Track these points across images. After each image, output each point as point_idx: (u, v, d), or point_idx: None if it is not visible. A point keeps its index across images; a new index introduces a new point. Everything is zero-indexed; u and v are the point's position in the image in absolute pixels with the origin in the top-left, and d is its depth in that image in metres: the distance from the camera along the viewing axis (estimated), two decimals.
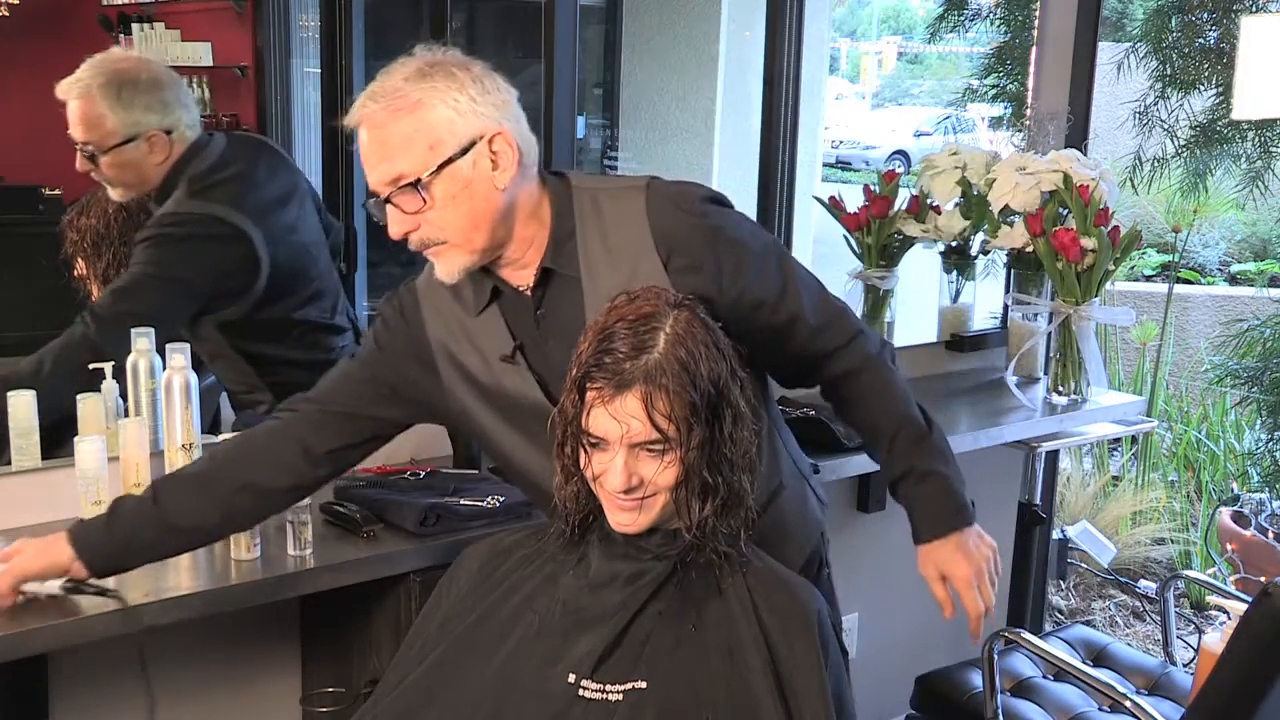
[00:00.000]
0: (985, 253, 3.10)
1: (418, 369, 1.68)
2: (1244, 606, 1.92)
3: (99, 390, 2.06)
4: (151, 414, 2.04)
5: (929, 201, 2.98)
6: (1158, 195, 5.09)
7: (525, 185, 1.59)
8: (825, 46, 6.38)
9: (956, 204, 2.97)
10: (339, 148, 4.28)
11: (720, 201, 1.66)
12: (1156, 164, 4.44)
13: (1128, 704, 2.21)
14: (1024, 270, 2.92)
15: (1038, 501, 2.93)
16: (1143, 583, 4.08)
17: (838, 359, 1.72)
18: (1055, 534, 3.29)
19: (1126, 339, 5.47)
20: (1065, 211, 2.78)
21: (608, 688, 1.37)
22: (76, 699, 2.00)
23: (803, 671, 1.37)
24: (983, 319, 3.25)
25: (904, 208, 2.99)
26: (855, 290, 3.03)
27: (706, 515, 1.41)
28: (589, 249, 1.60)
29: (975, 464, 2.22)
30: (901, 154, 12.91)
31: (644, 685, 1.37)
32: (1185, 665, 2.85)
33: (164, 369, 2.00)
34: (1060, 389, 2.86)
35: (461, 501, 2.02)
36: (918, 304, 3.47)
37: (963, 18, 4.85)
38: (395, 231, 1.55)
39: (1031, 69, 3.18)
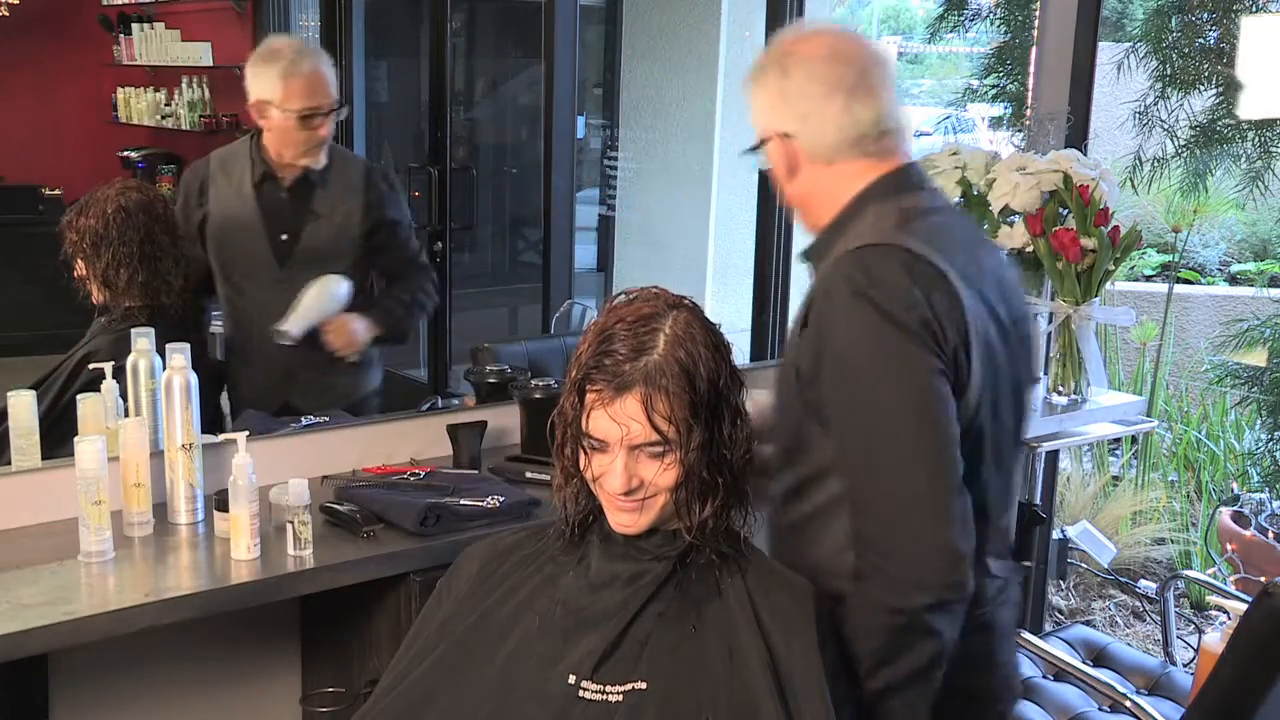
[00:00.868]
0: None
1: None
2: (1244, 606, 1.93)
3: (99, 390, 2.06)
4: (151, 414, 2.04)
5: None
6: (1158, 195, 5.08)
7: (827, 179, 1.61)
8: None
9: (957, 204, 2.97)
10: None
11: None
12: (1156, 164, 4.44)
13: (1128, 704, 2.22)
14: (1024, 270, 2.92)
15: (1038, 501, 2.93)
16: (1143, 583, 4.08)
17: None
18: (1055, 534, 3.28)
19: (1126, 339, 5.47)
20: (1065, 211, 2.78)
21: (608, 688, 1.37)
22: (76, 699, 2.00)
23: (802, 672, 1.37)
24: None
25: None
26: None
27: (706, 516, 1.41)
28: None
29: None
30: None
31: (644, 686, 1.37)
32: (1185, 665, 2.85)
33: (164, 369, 2.01)
34: (1060, 389, 2.86)
35: (461, 501, 2.02)
36: None
37: (963, 18, 4.85)
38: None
39: (1031, 69, 3.18)
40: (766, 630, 1.39)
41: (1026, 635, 2.30)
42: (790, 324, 1.66)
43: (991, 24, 4.83)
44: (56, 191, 4.66)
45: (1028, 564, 1.74)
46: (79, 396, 2.01)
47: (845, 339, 1.48)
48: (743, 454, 1.43)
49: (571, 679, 1.38)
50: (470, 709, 1.40)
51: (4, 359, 3.20)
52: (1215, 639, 2.37)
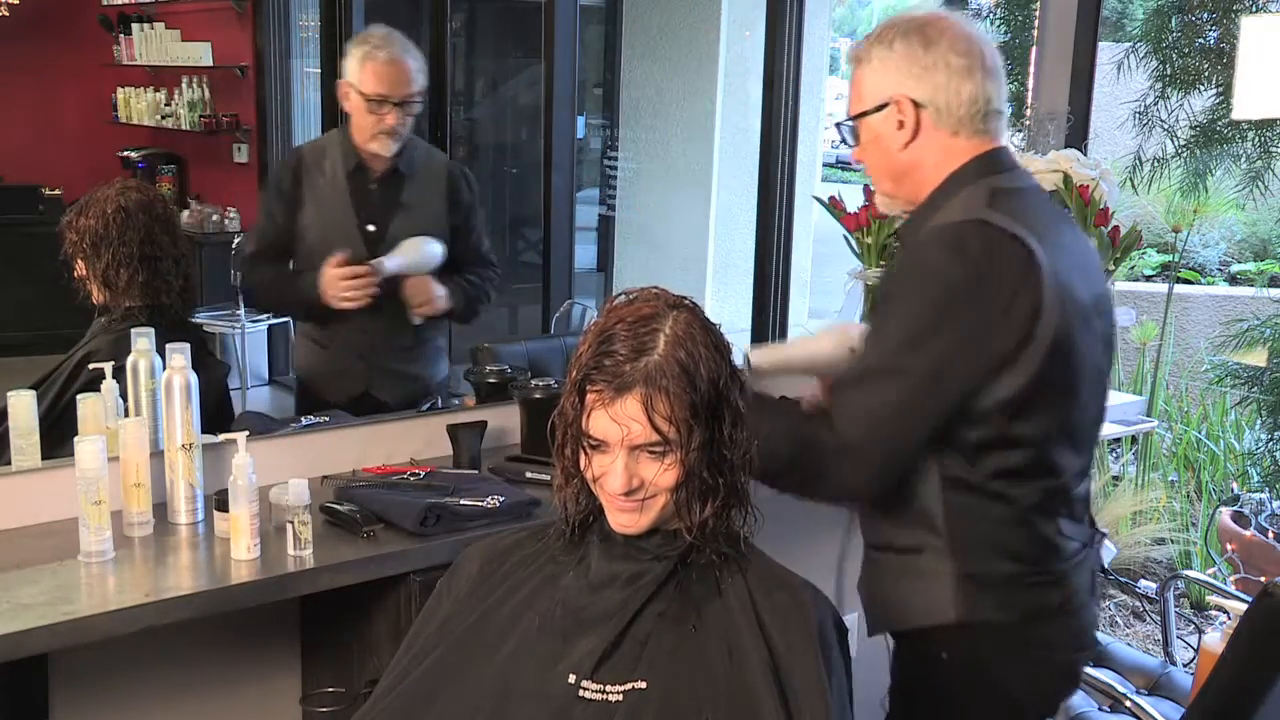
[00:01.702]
0: None
1: None
2: (1244, 606, 1.93)
3: (99, 390, 2.06)
4: (151, 414, 2.04)
5: None
6: (1158, 195, 5.08)
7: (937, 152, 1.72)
8: (825, 46, 6.37)
9: None
10: None
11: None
12: (1156, 164, 4.44)
13: (1128, 704, 2.22)
14: None
15: None
16: (1143, 583, 4.08)
17: None
18: None
19: (1126, 339, 5.47)
20: (1065, 211, 2.78)
21: (608, 688, 1.37)
22: (76, 699, 2.00)
23: (803, 672, 1.37)
24: None
25: None
26: (855, 290, 3.03)
27: (707, 516, 1.41)
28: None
29: None
30: None
31: (644, 685, 1.37)
32: (1185, 665, 2.85)
33: (164, 369, 2.01)
34: None
35: (461, 501, 2.02)
36: None
37: None
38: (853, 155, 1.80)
39: (1031, 69, 3.18)
40: (767, 630, 1.39)
41: None
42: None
43: (991, 24, 4.84)
44: (56, 191, 4.67)
45: (1101, 531, 1.83)
46: (79, 396, 2.01)
47: (923, 270, 1.65)
48: (743, 454, 1.43)
49: (571, 679, 1.38)
50: (470, 709, 1.40)
51: (4, 359, 3.20)
52: (1215, 639, 2.37)
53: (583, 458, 1.42)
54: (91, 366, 2.11)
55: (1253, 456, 4.66)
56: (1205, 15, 4.36)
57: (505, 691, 1.40)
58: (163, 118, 5.40)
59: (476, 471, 2.25)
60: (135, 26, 5.47)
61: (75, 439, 1.83)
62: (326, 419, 2.48)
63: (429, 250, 2.62)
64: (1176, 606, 3.59)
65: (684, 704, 1.35)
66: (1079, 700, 2.42)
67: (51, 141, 5.29)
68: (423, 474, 2.17)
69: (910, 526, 1.71)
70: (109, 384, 2.08)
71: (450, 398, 2.82)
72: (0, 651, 1.60)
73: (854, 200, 3.07)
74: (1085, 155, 2.91)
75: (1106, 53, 4.13)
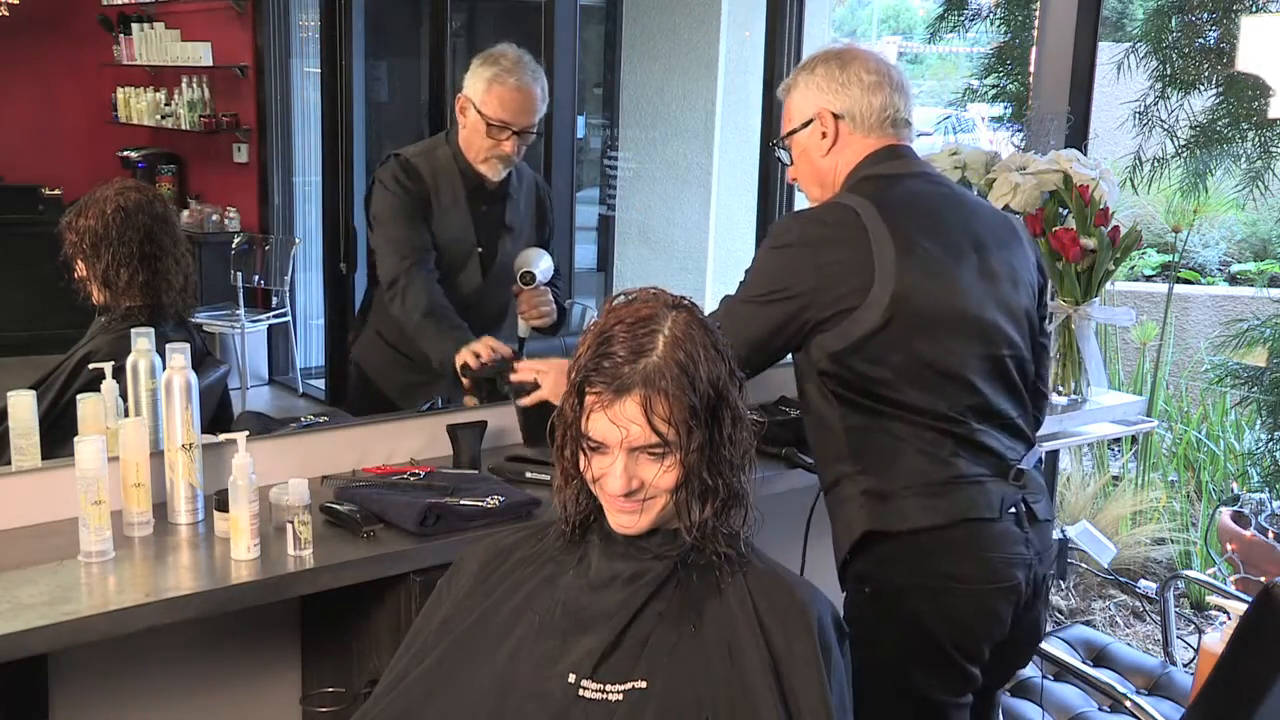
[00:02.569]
0: None
1: None
2: (1244, 606, 1.92)
3: (99, 390, 2.06)
4: (151, 414, 2.04)
5: None
6: (1158, 195, 5.08)
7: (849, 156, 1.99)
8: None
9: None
10: (339, 148, 4.29)
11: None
12: (1156, 164, 4.44)
13: (1128, 704, 2.22)
14: None
15: None
16: (1143, 583, 4.08)
17: None
18: (1055, 534, 3.28)
19: (1126, 339, 5.47)
20: (1065, 211, 2.78)
21: (608, 688, 1.37)
22: (76, 699, 2.00)
23: (803, 672, 1.37)
24: None
25: None
26: None
27: (706, 516, 1.41)
28: None
29: None
30: None
31: (644, 685, 1.37)
32: (1185, 665, 2.85)
33: (164, 369, 2.01)
34: (1060, 389, 2.86)
35: (461, 501, 2.02)
36: None
37: (963, 18, 4.85)
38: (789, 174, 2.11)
39: (1031, 69, 3.18)
40: (767, 630, 1.39)
41: None
42: None
43: (991, 24, 4.83)
44: (56, 191, 4.67)
45: (1021, 468, 1.96)
46: (79, 396, 2.01)
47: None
48: (743, 454, 1.43)
49: (572, 678, 1.38)
50: (470, 709, 1.40)
51: (4, 359, 3.20)
52: (1215, 639, 2.37)
53: (582, 459, 1.42)
54: (91, 366, 2.11)
55: (1253, 456, 4.66)
56: (1205, 15, 4.36)
57: (505, 691, 1.40)
58: (163, 118, 5.40)
59: (476, 471, 2.25)
60: (135, 26, 5.47)
61: (75, 439, 1.83)
62: (326, 419, 2.47)
63: (550, 260, 2.61)
64: (1176, 606, 3.59)
65: (684, 704, 1.35)
66: (1079, 700, 2.43)
67: (51, 141, 5.30)
68: (423, 474, 2.17)
69: (831, 464, 1.94)
70: (109, 384, 2.08)
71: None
72: (0, 651, 1.60)
73: None
74: (1085, 155, 2.91)
75: (1106, 53, 4.12)
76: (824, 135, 1.99)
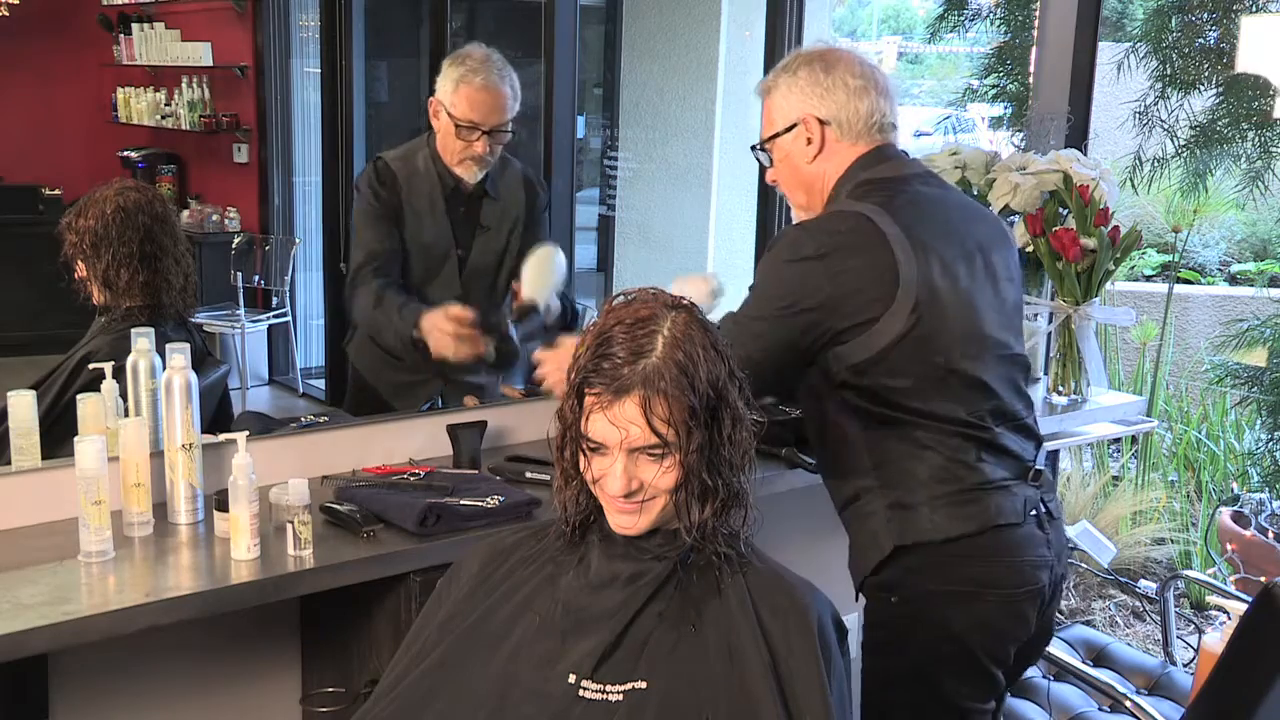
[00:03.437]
0: None
1: None
2: (1244, 606, 1.93)
3: (99, 390, 2.06)
4: (151, 414, 2.04)
5: None
6: (1158, 195, 5.09)
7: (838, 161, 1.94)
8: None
9: None
10: (339, 148, 4.29)
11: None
12: (1156, 164, 4.44)
13: (1128, 704, 2.22)
14: (1024, 270, 2.92)
15: None
16: (1143, 583, 4.08)
17: None
18: None
19: (1126, 339, 5.47)
20: (1065, 211, 2.78)
21: (608, 688, 1.37)
22: (76, 699, 2.00)
23: (803, 673, 1.37)
24: None
25: None
26: None
27: (706, 517, 1.41)
28: None
29: None
30: None
31: (644, 685, 1.37)
32: (1185, 665, 2.85)
33: (164, 369, 2.01)
34: (1060, 389, 2.86)
35: (461, 501, 2.02)
36: None
37: (963, 18, 4.85)
38: (767, 176, 2.05)
39: (1031, 69, 3.18)
40: (767, 630, 1.39)
41: None
42: None
43: (991, 24, 4.84)
44: (56, 191, 4.67)
45: (1039, 468, 1.96)
46: (79, 396, 2.01)
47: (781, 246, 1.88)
48: (742, 455, 1.43)
49: (572, 678, 1.38)
50: (470, 709, 1.40)
51: (4, 359, 3.20)
52: (1215, 639, 2.37)
53: (582, 460, 1.42)
54: (91, 366, 2.11)
55: (1253, 456, 4.66)
56: (1205, 15, 4.36)
57: (505, 691, 1.40)
58: (163, 118, 5.39)
59: (476, 471, 2.25)
60: (135, 26, 5.47)
61: (75, 439, 1.83)
62: (326, 419, 2.47)
63: (558, 264, 2.53)
64: (1176, 606, 3.60)
65: (684, 704, 1.35)
66: (1079, 700, 2.42)
67: (51, 141, 5.29)
68: (423, 474, 2.17)
69: (850, 479, 1.90)
70: (109, 384, 2.08)
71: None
72: (0, 651, 1.60)
73: None
74: (1085, 155, 2.91)
75: (1106, 53, 4.13)
76: (809, 141, 1.94)
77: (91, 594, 1.73)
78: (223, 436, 2.05)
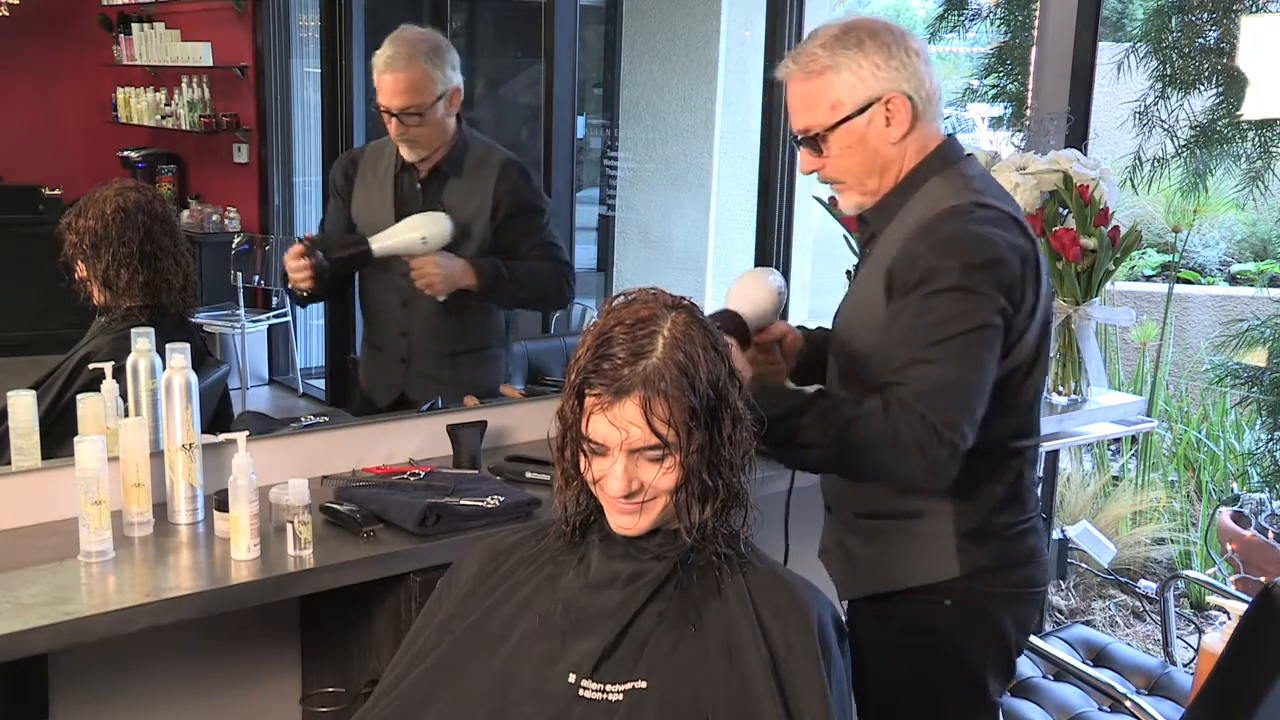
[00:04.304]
0: None
1: None
2: (1244, 606, 1.93)
3: (99, 390, 2.06)
4: (151, 414, 2.04)
5: None
6: (1158, 195, 5.08)
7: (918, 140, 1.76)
8: None
9: None
10: (339, 148, 4.28)
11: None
12: (1156, 164, 4.44)
13: (1128, 704, 2.22)
14: None
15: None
16: (1143, 583, 4.08)
17: None
18: (1055, 534, 3.28)
19: (1126, 339, 5.47)
20: (1065, 211, 2.78)
21: (608, 688, 1.37)
22: (76, 699, 2.00)
23: (803, 673, 1.37)
24: None
25: None
26: None
27: (706, 517, 1.41)
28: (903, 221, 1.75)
29: None
30: None
31: (644, 685, 1.37)
32: (1185, 665, 2.85)
33: (164, 369, 2.01)
34: (1060, 389, 2.86)
35: (461, 501, 2.02)
36: None
37: (963, 18, 4.85)
38: (803, 169, 1.81)
39: (1031, 69, 3.18)
40: (768, 630, 1.39)
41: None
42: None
43: (991, 24, 4.84)
44: (56, 191, 4.66)
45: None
46: (79, 396, 2.01)
47: (961, 246, 1.67)
48: (743, 455, 1.43)
49: (571, 678, 1.38)
50: (470, 709, 1.40)
51: (4, 359, 3.19)
52: (1215, 639, 2.37)
53: (582, 460, 1.42)
54: (91, 366, 2.11)
55: (1253, 456, 4.66)
56: (1205, 15, 4.36)
57: (505, 691, 1.40)
58: (163, 118, 5.39)
59: (476, 471, 2.25)
60: (135, 26, 5.47)
61: (75, 439, 1.83)
62: (326, 419, 2.47)
63: (434, 229, 2.50)
64: (1176, 606, 3.59)
65: (684, 704, 1.35)
66: (1079, 700, 2.42)
67: (51, 141, 5.29)
68: (423, 474, 2.17)
69: (913, 494, 1.77)
70: (109, 384, 2.08)
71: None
72: (0, 651, 1.60)
73: None
74: (1085, 155, 2.91)
75: (1106, 53, 4.13)
76: (889, 121, 1.73)
77: (91, 594, 1.73)
78: (223, 436, 2.05)
